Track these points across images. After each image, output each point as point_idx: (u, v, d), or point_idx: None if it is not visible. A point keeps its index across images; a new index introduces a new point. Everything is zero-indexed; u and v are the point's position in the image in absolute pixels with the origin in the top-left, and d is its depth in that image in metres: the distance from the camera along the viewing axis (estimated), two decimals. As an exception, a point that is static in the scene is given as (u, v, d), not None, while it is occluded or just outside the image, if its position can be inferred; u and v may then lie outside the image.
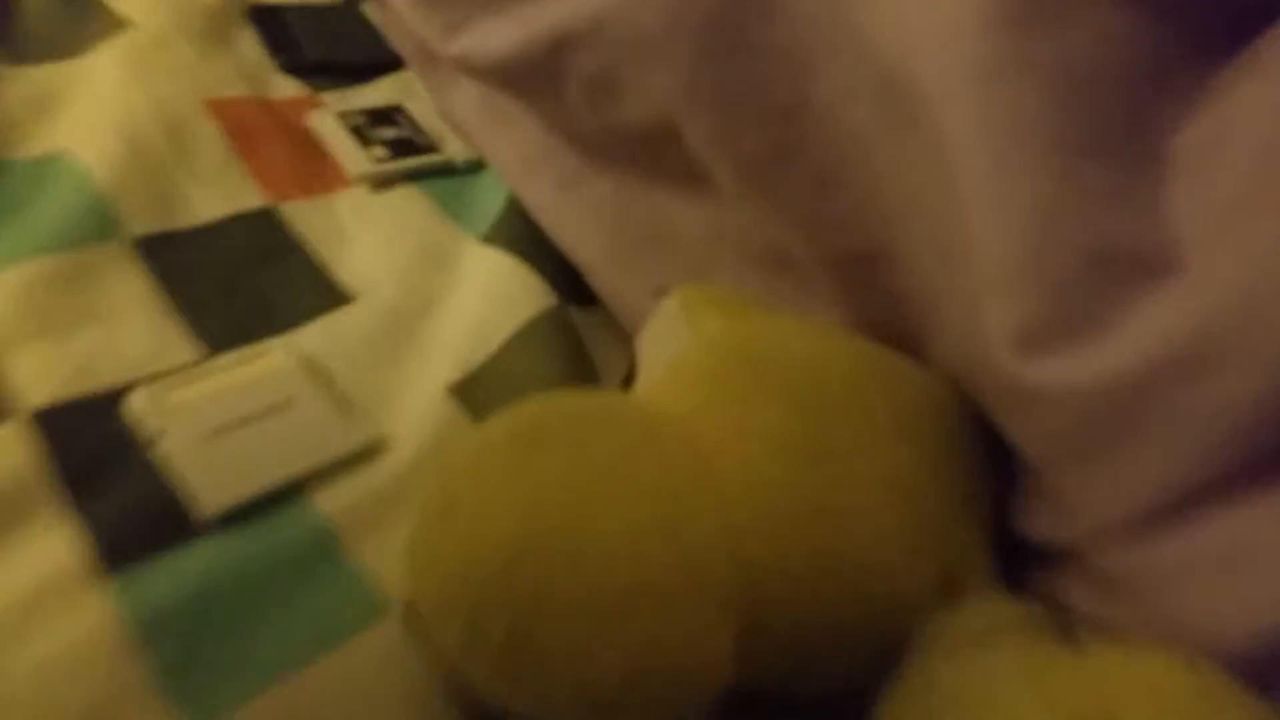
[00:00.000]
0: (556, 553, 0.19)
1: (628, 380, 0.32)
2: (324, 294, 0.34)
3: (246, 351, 0.31)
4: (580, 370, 0.32)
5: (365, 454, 0.29)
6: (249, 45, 0.43)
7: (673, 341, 0.26)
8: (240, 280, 0.33)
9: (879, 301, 0.27)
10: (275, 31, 0.44)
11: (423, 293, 0.34)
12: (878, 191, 0.25)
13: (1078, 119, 0.22)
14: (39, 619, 0.24)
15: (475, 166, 0.40)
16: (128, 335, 0.31)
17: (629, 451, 0.21)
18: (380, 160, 0.38)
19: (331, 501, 0.27)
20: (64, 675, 0.23)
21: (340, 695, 0.23)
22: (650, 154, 0.31)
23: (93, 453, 0.27)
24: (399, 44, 0.42)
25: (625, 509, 0.20)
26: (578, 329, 0.33)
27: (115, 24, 0.41)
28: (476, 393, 0.30)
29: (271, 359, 0.30)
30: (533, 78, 0.32)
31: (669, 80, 0.28)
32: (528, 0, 0.32)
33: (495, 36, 0.33)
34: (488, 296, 0.34)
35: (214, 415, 0.28)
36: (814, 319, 0.28)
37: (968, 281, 0.22)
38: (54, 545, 0.25)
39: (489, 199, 0.38)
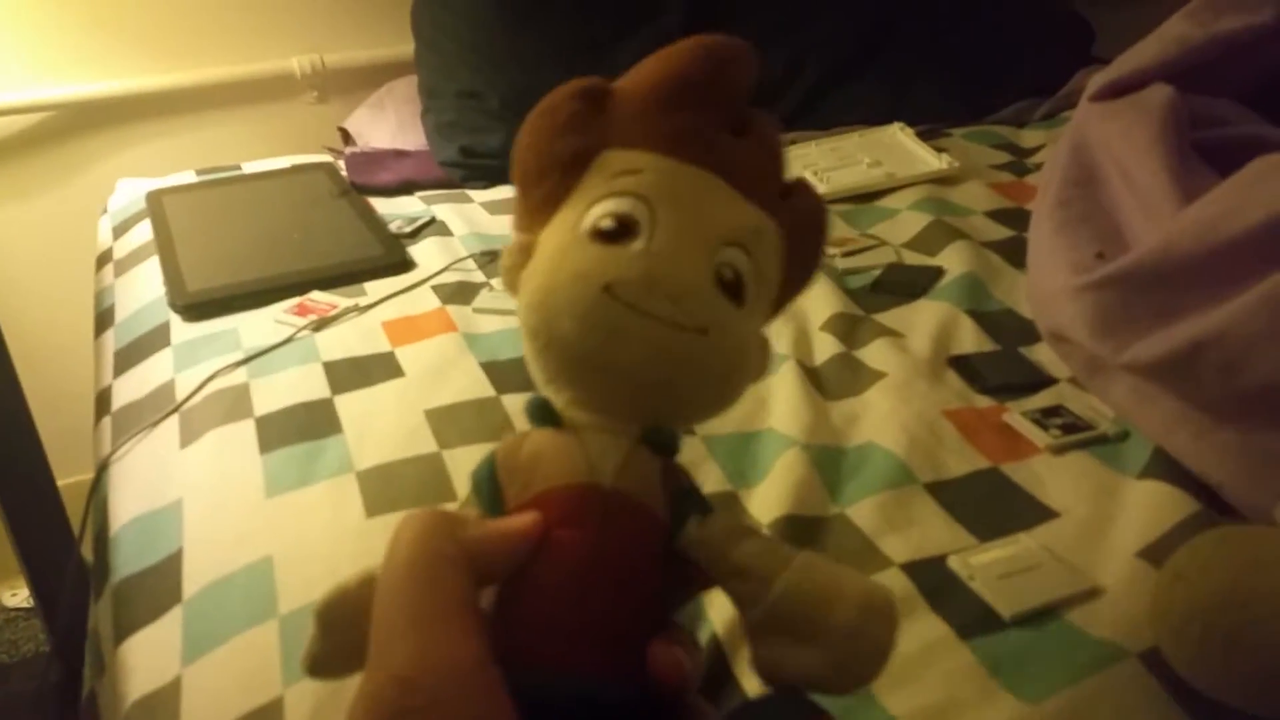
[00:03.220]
0: (1252, 594, 0.37)
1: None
2: (1040, 513, 0.56)
3: (1005, 539, 0.54)
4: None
5: (1091, 593, 0.49)
6: (953, 379, 0.71)
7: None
8: (985, 506, 0.57)
9: None
10: (967, 370, 0.71)
11: (1104, 509, 0.55)
12: None
13: None
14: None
15: (1122, 436, 0.61)
16: (935, 532, 0.55)
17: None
18: (1057, 437, 0.61)
19: (1075, 615, 0.48)
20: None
21: (1098, 701, 0.42)
22: (1264, 406, 0.49)
23: (938, 585, 0.51)
24: (1069, 362, 0.66)
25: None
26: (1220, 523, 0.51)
27: (878, 374, 0.72)
28: (1157, 555, 0.49)
29: (1022, 544, 0.53)
30: (1177, 369, 0.53)
31: (1276, 359, 0.47)
32: (1169, 325, 0.54)
33: (1150, 349, 0.55)
34: (1150, 505, 0.53)
35: (999, 569, 0.51)
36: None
37: None
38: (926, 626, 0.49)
39: (1138, 454, 0.58)
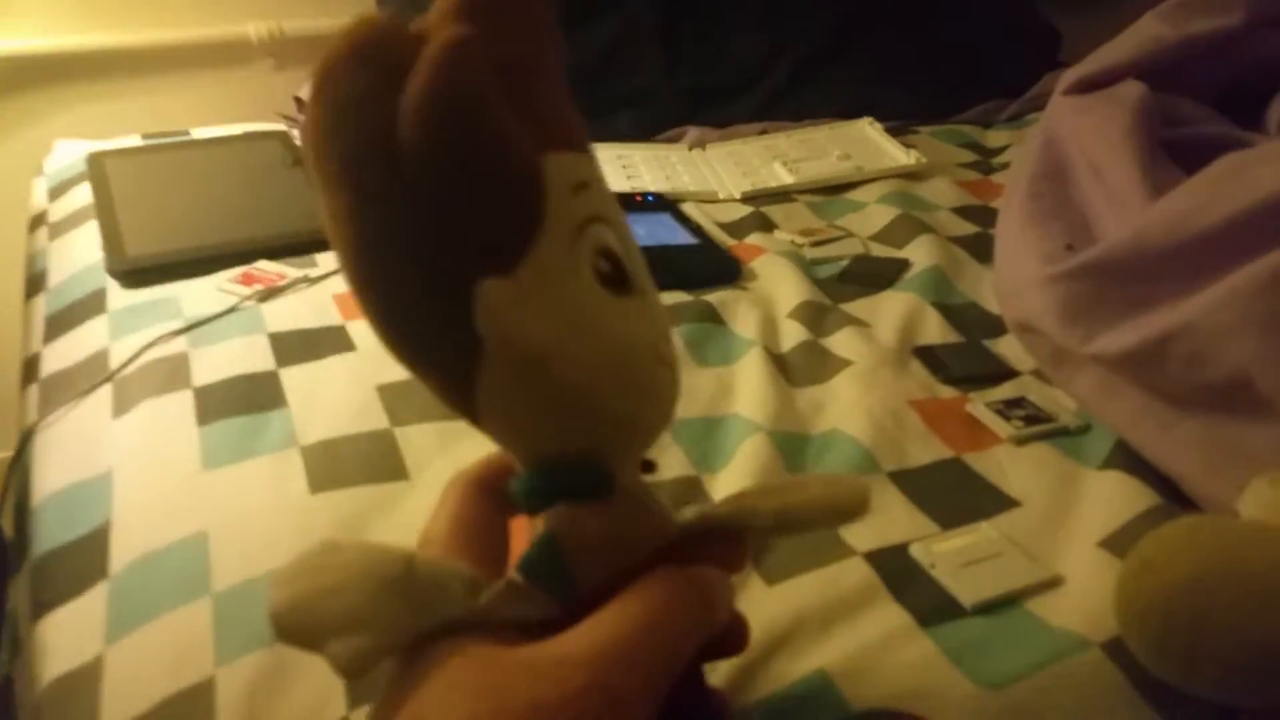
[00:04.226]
0: (1218, 581, 0.36)
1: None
2: (1001, 502, 0.55)
3: (967, 528, 0.53)
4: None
5: (1052, 582, 0.48)
6: (918, 369, 0.70)
7: (1267, 505, 0.42)
8: (947, 495, 0.56)
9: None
10: (932, 360, 0.70)
11: (1065, 499, 0.55)
12: None
13: None
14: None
15: (1084, 428, 0.61)
16: (897, 520, 0.54)
17: (1252, 531, 0.38)
18: (1019, 428, 0.61)
19: (1037, 605, 0.47)
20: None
21: (1060, 691, 0.41)
22: (1228, 399, 0.49)
23: (900, 574, 0.50)
24: (1035, 353, 0.66)
25: (1260, 556, 0.36)
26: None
27: (844, 363, 0.71)
28: (1119, 545, 0.48)
29: (983, 532, 0.52)
30: (1145, 360, 0.53)
31: (1243, 351, 0.47)
32: (1139, 316, 0.54)
33: (1119, 340, 0.55)
34: (1112, 496, 0.53)
35: (961, 558, 0.50)
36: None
37: None
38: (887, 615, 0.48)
39: (1099, 446, 0.58)
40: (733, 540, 0.35)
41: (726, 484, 0.58)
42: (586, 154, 0.30)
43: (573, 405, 0.29)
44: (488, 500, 0.35)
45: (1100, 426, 0.60)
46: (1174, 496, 0.53)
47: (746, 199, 1.05)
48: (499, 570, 0.33)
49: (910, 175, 1.08)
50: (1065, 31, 1.48)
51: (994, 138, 1.26)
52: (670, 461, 0.60)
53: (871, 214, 0.99)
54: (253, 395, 0.69)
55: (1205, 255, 0.51)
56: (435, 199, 0.26)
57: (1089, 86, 0.72)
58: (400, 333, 0.29)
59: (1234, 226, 0.50)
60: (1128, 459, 0.56)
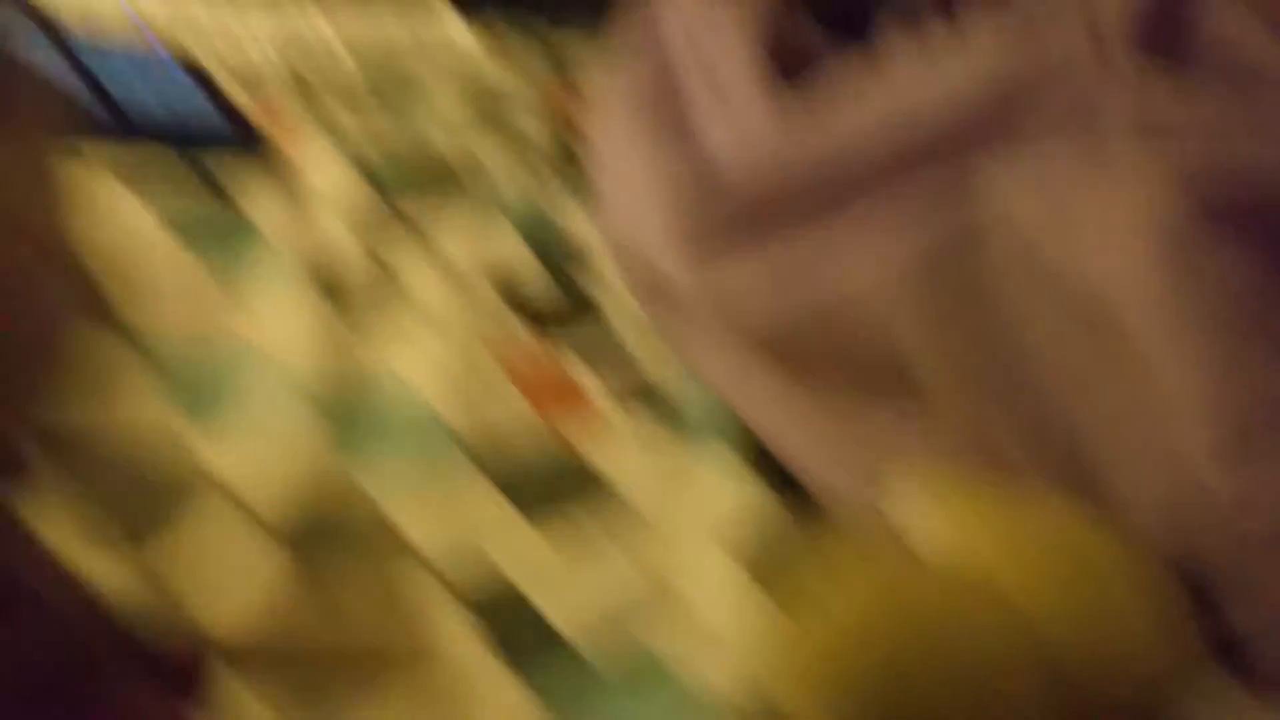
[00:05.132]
0: (926, 662, 0.28)
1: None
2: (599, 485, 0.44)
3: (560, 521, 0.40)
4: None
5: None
6: (494, 300, 0.55)
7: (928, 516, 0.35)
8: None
9: (1068, 475, 0.37)
10: (512, 291, 0.56)
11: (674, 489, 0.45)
12: (1076, 390, 0.37)
13: (1242, 311, 0.34)
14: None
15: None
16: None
17: (956, 593, 0.30)
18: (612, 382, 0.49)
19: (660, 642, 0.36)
20: None
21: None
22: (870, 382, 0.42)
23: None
24: (634, 290, 0.54)
25: (970, 630, 0.29)
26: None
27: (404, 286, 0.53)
28: (748, 559, 0.39)
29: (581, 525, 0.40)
30: (784, 336, 0.44)
31: (902, 332, 0.40)
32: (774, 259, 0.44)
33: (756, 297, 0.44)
34: (715, 476, 0.44)
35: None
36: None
37: (1157, 440, 0.33)
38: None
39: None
40: None
41: (234, 445, 0.38)
42: None
43: None
44: None
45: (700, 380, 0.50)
46: (775, 475, 0.44)
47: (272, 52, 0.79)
48: None
49: (475, 64, 0.91)
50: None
51: (575, 39, 1.12)
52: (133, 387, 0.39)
53: (435, 99, 0.80)
54: None
55: (847, 185, 0.43)
56: None
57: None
58: None
59: (878, 146, 0.43)
60: (725, 426, 0.46)
